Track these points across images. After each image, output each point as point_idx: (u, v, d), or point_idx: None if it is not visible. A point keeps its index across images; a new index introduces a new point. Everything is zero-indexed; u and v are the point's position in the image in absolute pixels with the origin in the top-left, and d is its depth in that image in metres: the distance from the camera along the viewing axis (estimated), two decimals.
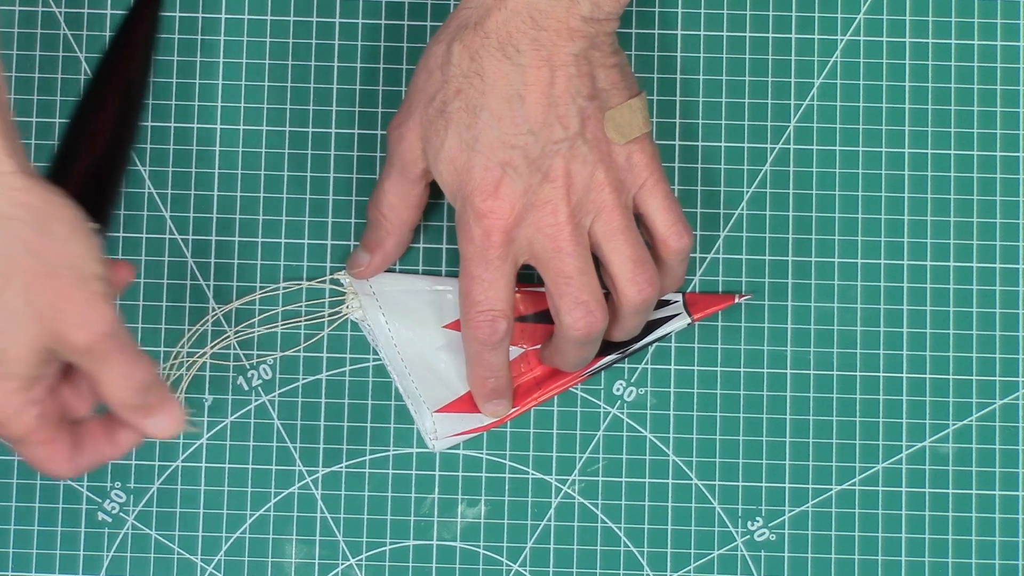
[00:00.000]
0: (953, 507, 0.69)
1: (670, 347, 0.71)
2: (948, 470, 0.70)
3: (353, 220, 0.70)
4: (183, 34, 0.71)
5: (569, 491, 0.70)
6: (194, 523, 0.69)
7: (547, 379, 0.69)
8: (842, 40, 0.72)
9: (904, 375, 0.70)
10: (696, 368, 0.70)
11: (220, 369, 0.70)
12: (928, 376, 0.70)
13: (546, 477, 0.70)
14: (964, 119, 0.71)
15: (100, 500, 0.70)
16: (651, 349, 0.70)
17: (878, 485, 0.70)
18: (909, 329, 0.70)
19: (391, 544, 0.70)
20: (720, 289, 0.71)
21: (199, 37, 0.72)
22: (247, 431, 0.69)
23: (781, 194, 0.71)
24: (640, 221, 0.65)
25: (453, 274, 0.70)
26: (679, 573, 0.70)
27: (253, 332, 0.71)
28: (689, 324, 0.70)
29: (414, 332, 0.69)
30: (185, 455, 0.70)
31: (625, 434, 0.71)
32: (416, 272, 0.70)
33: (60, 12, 0.72)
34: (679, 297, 0.70)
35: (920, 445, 0.70)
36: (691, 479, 0.70)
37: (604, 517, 0.70)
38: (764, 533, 0.70)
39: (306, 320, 0.70)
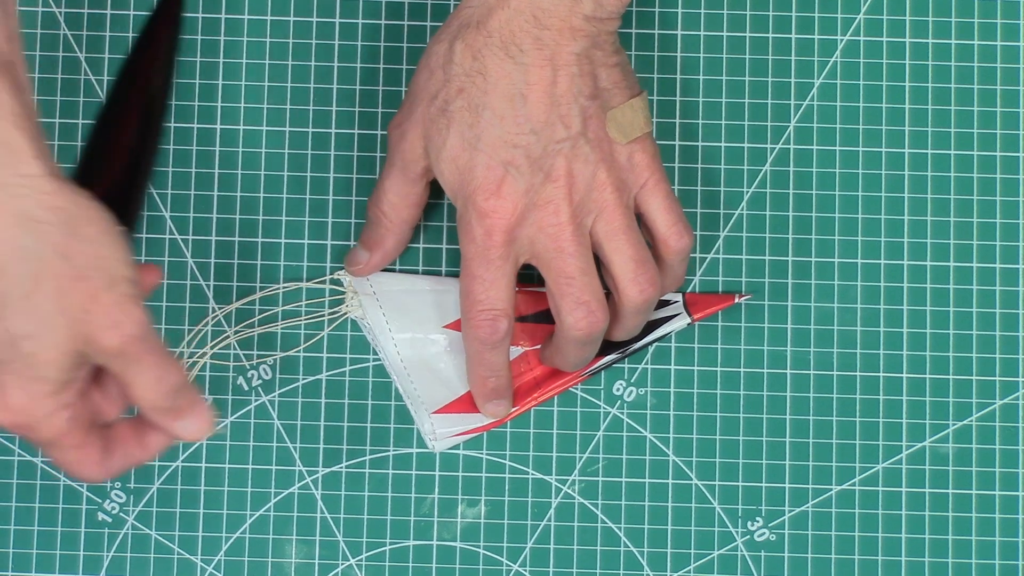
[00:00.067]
0: (953, 507, 0.70)
1: (670, 347, 0.71)
2: (948, 470, 0.70)
3: (353, 220, 0.70)
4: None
5: (569, 491, 0.71)
6: (194, 523, 0.70)
7: (547, 379, 0.70)
8: (842, 40, 0.72)
9: (904, 375, 0.70)
10: (696, 368, 0.70)
11: (220, 369, 0.70)
12: (928, 376, 0.70)
13: (546, 477, 0.71)
14: (964, 119, 0.71)
15: (100, 500, 0.70)
16: (651, 349, 0.70)
17: (878, 485, 0.70)
18: (909, 329, 0.71)
19: (391, 544, 0.70)
20: (720, 289, 0.71)
21: (199, 37, 0.72)
22: (247, 431, 0.70)
23: (781, 194, 0.71)
24: (640, 220, 0.65)
25: (453, 274, 0.70)
26: (679, 573, 0.70)
27: (253, 332, 0.71)
28: (689, 324, 0.70)
29: (414, 332, 0.70)
30: (185, 455, 0.70)
31: (625, 434, 0.71)
32: (416, 272, 0.71)
33: (60, 12, 0.72)
34: (679, 297, 0.70)
35: (920, 445, 0.70)
36: (691, 479, 0.70)
37: (604, 517, 0.71)
38: (764, 533, 0.70)
39: (306, 320, 0.71)
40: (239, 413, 0.71)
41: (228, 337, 0.71)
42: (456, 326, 0.70)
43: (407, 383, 0.71)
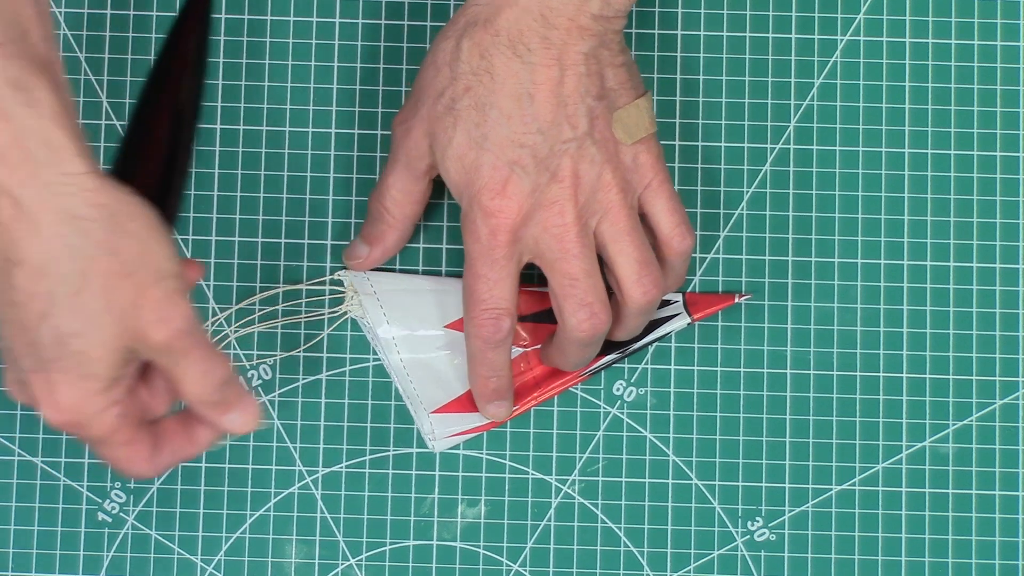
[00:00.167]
0: (953, 507, 0.70)
1: (670, 347, 0.72)
2: (948, 470, 0.71)
3: (353, 220, 0.71)
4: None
5: (569, 491, 0.71)
6: (194, 523, 0.70)
7: (547, 379, 0.70)
8: (842, 40, 0.73)
9: (904, 375, 0.71)
10: (696, 368, 0.71)
11: None
12: (928, 376, 0.71)
13: (546, 477, 0.71)
14: (964, 119, 0.72)
15: (100, 500, 0.71)
16: (651, 349, 0.71)
17: (878, 485, 0.71)
18: (909, 329, 0.71)
19: (391, 544, 0.71)
20: (720, 289, 0.72)
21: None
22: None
23: (781, 194, 0.71)
24: (643, 221, 0.65)
25: (453, 274, 0.71)
26: (679, 573, 0.70)
27: (253, 331, 0.71)
28: (689, 324, 0.70)
29: (414, 332, 0.70)
30: None
31: (625, 434, 0.72)
32: (416, 272, 0.71)
33: (60, 12, 0.73)
34: (679, 297, 0.71)
35: (920, 445, 0.71)
36: (691, 479, 0.71)
37: (604, 517, 0.71)
38: (764, 533, 0.70)
39: (306, 318, 0.71)
40: None
41: (228, 337, 0.72)
42: (456, 326, 0.71)
43: (407, 383, 0.71)
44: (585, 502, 0.74)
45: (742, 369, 0.75)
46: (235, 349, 0.74)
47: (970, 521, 0.74)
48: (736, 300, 0.75)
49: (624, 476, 0.74)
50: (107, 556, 0.74)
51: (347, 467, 0.74)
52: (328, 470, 0.74)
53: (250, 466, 0.74)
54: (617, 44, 0.68)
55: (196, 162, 0.75)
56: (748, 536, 0.74)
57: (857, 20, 0.76)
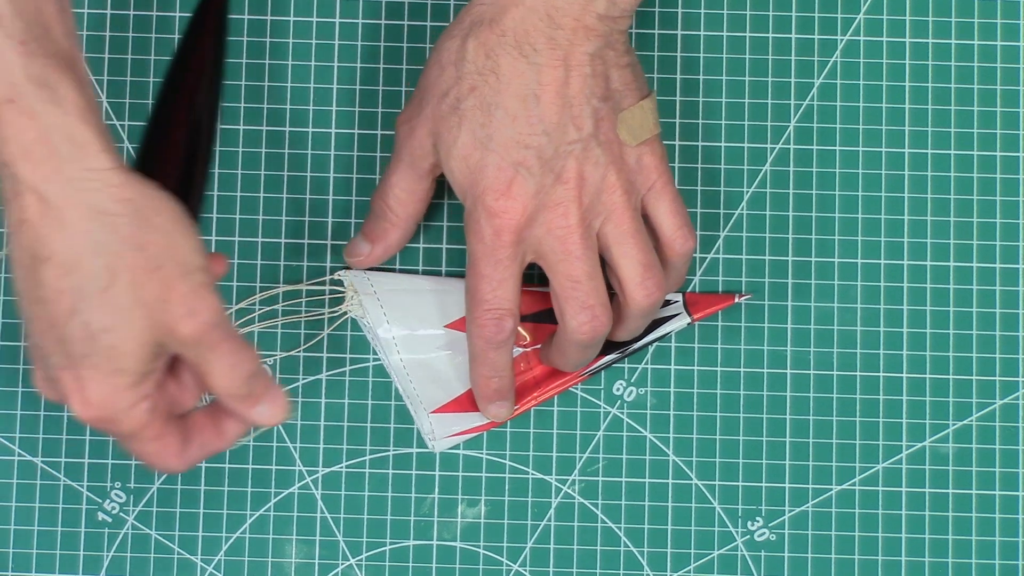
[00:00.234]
0: (953, 507, 0.71)
1: (670, 347, 0.72)
2: (948, 470, 0.71)
3: (353, 220, 0.71)
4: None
5: (569, 491, 0.71)
6: (194, 523, 0.71)
7: (547, 379, 0.71)
8: (842, 40, 0.73)
9: (904, 375, 0.71)
10: (696, 368, 0.71)
11: None
12: (928, 376, 0.71)
13: (546, 477, 0.71)
14: (964, 119, 0.72)
15: (100, 500, 0.71)
16: (651, 349, 0.71)
17: (878, 485, 0.71)
18: (909, 329, 0.72)
19: (391, 544, 0.71)
20: (720, 289, 0.72)
21: (176, 36, 0.73)
22: (247, 431, 0.70)
23: (781, 194, 0.72)
24: (645, 221, 0.65)
25: (453, 274, 0.71)
26: (679, 573, 0.71)
27: (253, 331, 0.72)
28: (689, 324, 0.71)
29: (414, 331, 0.71)
30: None
31: (625, 434, 0.72)
32: (416, 272, 0.71)
33: None
34: (679, 297, 0.71)
35: (920, 445, 0.71)
36: (691, 479, 0.71)
37: (604, 517, 0.71)
38: (764, 533, 0.71)
39: (306, 317, 0.71)
40: None
41: None
42: (456, 326, 0.71)
43: (406, 383, 0.72)
44: (585, 502, 0.75)
45: (742, 369, 0.75)
46: None
47: (970, 521, 0.75)
48: (736, 300, 0.75)
49: (624, 476, 0.75)
50: (107, 556, 0.74)
51: (347, 467, 0.75)
52: (328, 470, 0.74)
53: (250, 466, 0.75)
54: (622, 45, 0.68)
55: None
56: (748, 536, 0.74)
57: (857, 20, 0.76)
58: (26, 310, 0.62)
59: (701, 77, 0.79)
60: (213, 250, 0.78)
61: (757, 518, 0.77)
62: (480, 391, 0.75)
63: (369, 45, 0.79)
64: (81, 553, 0.77)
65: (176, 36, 0.78)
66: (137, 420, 0.63)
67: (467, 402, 0.77)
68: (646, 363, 0.78)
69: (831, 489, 0.77)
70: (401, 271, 0.78)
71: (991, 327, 0.78)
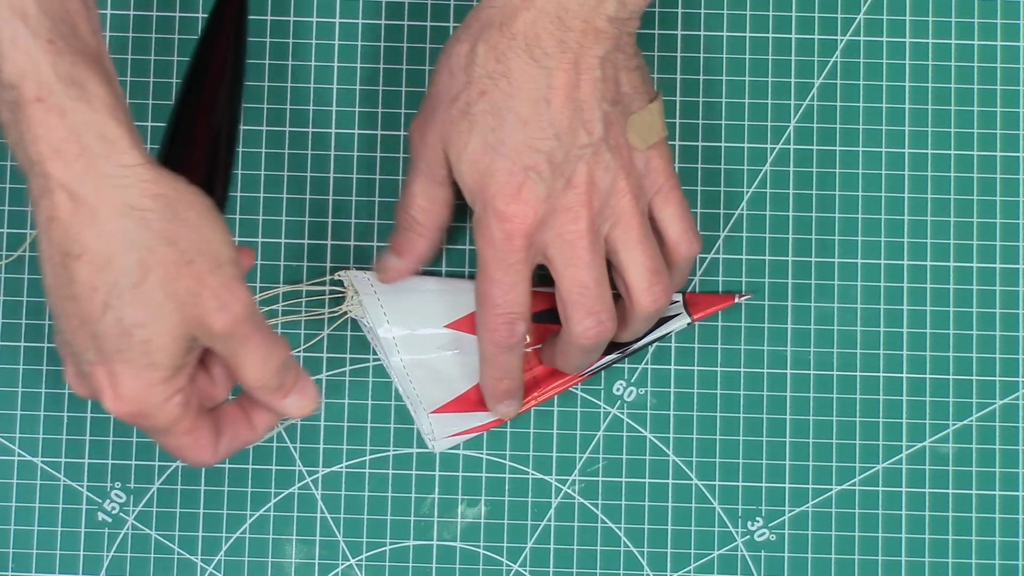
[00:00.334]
0: (953, 507, 0.71)
1: (670, 347, 0.72)
2: (948, 470, 0.71)
3: (353, 220, 0.72)
4: (183, 34, 0.72)
5: (569, 491, 0.72)
6: (194, 523, 0.71)
7: (547, 379, 0.71)
8: (842, 40, 0.73)
9: (904, 375, 0.72)
10: (696, 368, 0.72)
11: None
12: (928, 376, 0.72)
13: (546, 477, 0.72)
14: (964, 119, 0.73)
15: (100, 500, 0.72)
16: (651, 349, 0.71)
17: (878, 485, 0.72)
18: (909, 329, 0.72)
19: (391, 544, 0.72)
20: (720, 289, 0.73)
21: (198, 38, 0.73)
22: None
23: (781, 194, 0.72)
24: (652, 224, 0.65)
25: (453, 274, 0.73)
26: (679, 573, 0.71)
27: None
28: (689, 324, 0.71)
29: (415, 331, 0.71)
30: None
31: (625, 434, 0.72)
32: (416, 274, 0.71)
33: None
34: (679, 297, 0.72)
35: (920, 445, 0.72)
36: (691, 479, 0.71)
37: (604, 517, 0.72)
38: (764, 533, 0.71)
39: (306, 317, 0.72)
40: None
41: None
42: (457, 325, 0.72)
43: (406, 383, 0.72)
44: (585, 502, 0.75)
45: (742, 369, 0.76)
46: None
47: (970, 521, 0.75)
48: (736, 300, 0.76)
49: (624, 476, 0.75)
50: (107, 556, 0.75)
51: (347, 467, 0.75)
52: (328, 470, 0.75)
53: (250, 466, 0.75)
54: (631, 47, 0.69)
55: None
56: (748, 536, 0.75)
57: (857, 20, 0.77)
58: (56, 307, 0.64)
59: (701, 77, 0.79)
60: None
61: (757, 518, 0.78)
62: (490, 391, 0.75)
63: (368, 45, 0.79)
64: (81, 553, 0.77)
65: (176, 36, 0.79)
66: (170, 414, 0.64)
67: (467, 402, 0.77)
68: (646, 363, 0.78)
69: (831, 489, 0.78)
70: None
71: (991, 327, 0.78)
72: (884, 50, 0.80)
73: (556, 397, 0.78)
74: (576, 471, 0.78)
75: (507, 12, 0.70)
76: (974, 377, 0.79)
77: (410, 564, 0.78)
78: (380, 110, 0.79)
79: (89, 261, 0.62)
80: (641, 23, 0.78)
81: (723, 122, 0.80)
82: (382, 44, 0.80)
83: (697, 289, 0.79)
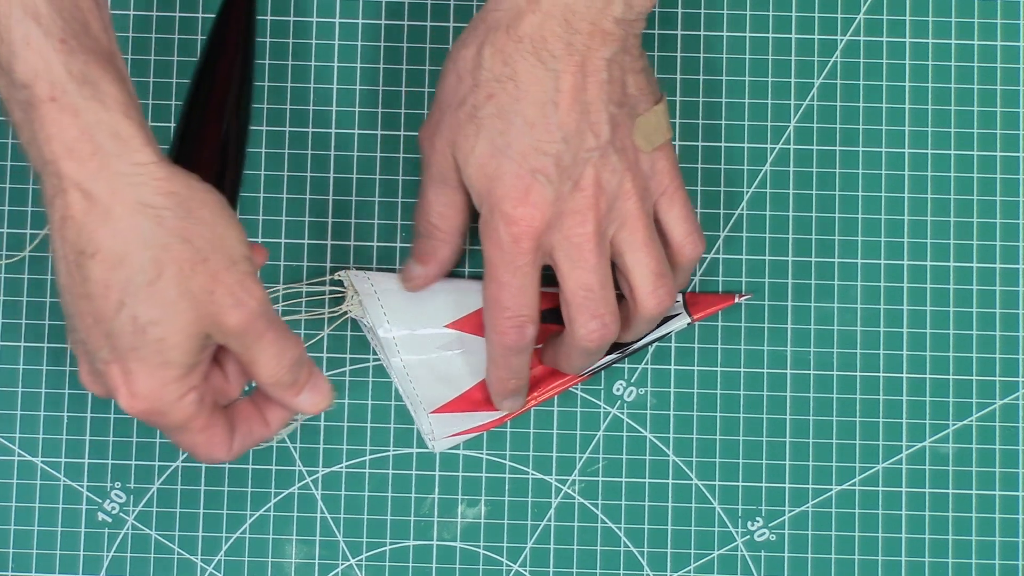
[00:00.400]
0: (953, 507, 0.72)
1: (670, 347, 0.73)
2: (948, 470, 0.72)
3: (353, 220, 0.73)
4: (183, 34, 0.73)
5: (569, 491, 0.72)
6: (194, 523, 0.72)
7: (547, 379, 0.71)
8: (842, 40, 0.74)
9: (904, 375, 0.72)
10: (696, 368, 0.72)
11: None
12: (928, 376, 0.72)
13: (546, 477, 0.72)
14: (964, 119, 0.73)
15: (100, 500, 0.72)
16: (651, 349, 0.72)
17: (878, 485, 0.72)
18: (909, 329, 0.73)
19: (391, 544, 0.72)
20: (720, 289, 0.73)
21: (199, 38, 0.74)
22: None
23: (781, 194, 0.73)
24: (656, 225, 0.66)
25: (453, 274, 0.72)
26: (679, 573, 0.72)
27: None
28: (689, 324, 0.71)
29: (415, 331, 0.72)
30: (185, 455, 0.72)
31: (625, 434, 0.73)
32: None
33: None
34: (679, 297, 0.71)
35: (920, 445, 0.72)
36: (691, 479, 0.72)
37: (604, 517, 0.72)
38: (764, 533, 0.72)
39: (306, 317, 0.72)
40: None
41: None
42: (457, 325, 0.73)
43: (406, 383, 0.72)
44: (585, 502, 0.76)
45: (742, 369, 0.76)
46: None
47: (970, 521, 0.76)
48: (736, 300, 0.76)
49: (624, 476, 0.76)
50: (107, 556, 0.75)
51: (347, 467, 0.76)
52: (328, 470, 0.75)
53: (250, 466, 0.76)
54: (637, 49, 0.70)
55: None
56: (748, 536, 0.75)
57: (857, 20, 0.77)
58: (70, 306, 0.64)
59: (701, 77, 0.80)
60: None
61: (757, 518, 0.78)
62: (497, 390, 0.76)
63: (368, 45, 0.80)
64: (81, 553, 0.78)
65: (176, 36, 0.79)
66: (185, 412, 0.65)
67: (467, 402, 0.78)
68: (646, 363, 0.79)
69: (831, 489, 0.78)
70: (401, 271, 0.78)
71: (991, 327, 0.79)
72: (884, 50, 0.81)
73: (556, 397, 0.78)
74: (576, 471, 0.79)
75: (513, 15, 0.71)
76: (974, 377, 0.79)
77: (410, 564, 0.78)
78: (380, 110, 0.80)
79: (103, 259, 0.63)
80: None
81: (723, 122, 0.80)
82: (382, 44, 0.80)
83: (697, 289, 0.80)
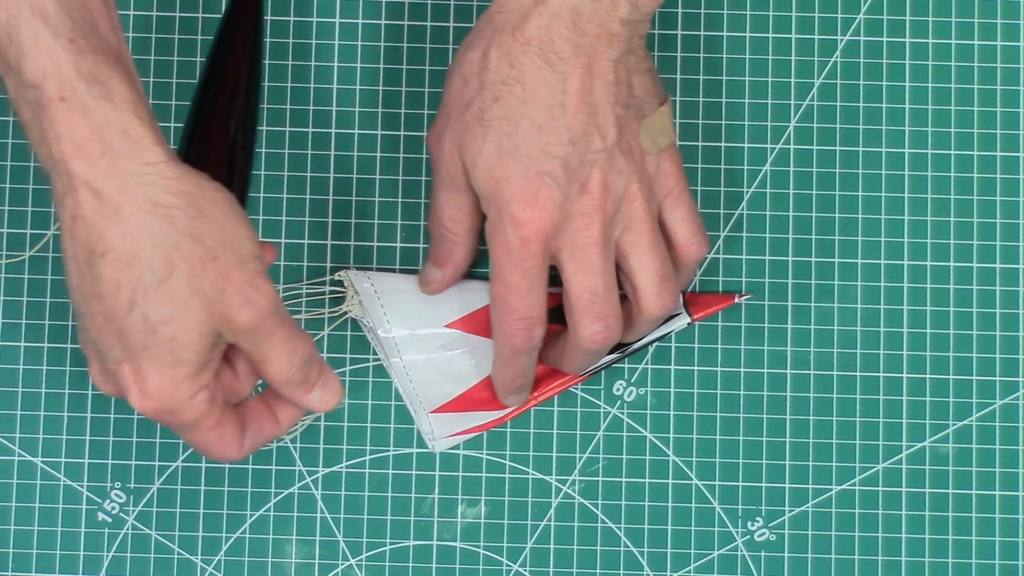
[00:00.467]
0: (953, 507, 0.72)
1: (670, 347, 0.73)
2: (948, 470, 0.72)
3: (353, 220, 0.73)
4: (183, 34, 0.73)
5: (569, 491, 0.73)
6: (194, 523, 0.72)
7: (547, 378, 0.72)
8: (842, 40, 0.74)
9: (904, 375, 0.73)
10: (696, 368, 0.73)
11: None
12: (928, 376, 0.73)
13: (546, 477, 0.73)
14: (964, 119, 0.74)
15: (100, 500, 0.72)
16: (651, 349, 0.72)
17: (878, 485, 0.72)
18: (909, 329, 0.73)
19: (391, 544, 0.72)
20: (720, 289, 0.73)
21: (199, 38, 0.74)
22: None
23: (781, 194, 0.73)
24: (660, 226, 0.66)
25: None
26: (679, 573, 0.72)
27: None
28: (689, 324, 0.71)
29: (415, 331, 0.72)
30: (185, 455, 0.73)
31: (625, 434, 0.73)
32: (416, 273, 0.72)
33: None
34: (679, 297, 0.72)
35: (920, 445, 0.72)
36: (691, 479, 0.72)
37: (604, 517, 0.73)
38: (764, 533, 0.72)
39: (306, 317, 0.72)
40: None
41: None
42: (457, 325, 0.73)
43: (406, 383, 0.73)
44: (585, 502, 0.76)
45: (742, 369, 0.76)
46: None
47: (970, 521, 0.76)
48: (736, 300, 0.77)
49: (624, 476, 0.76)
50: (107, 556, 0.76)
51: (347, 467, 0.76)
52: (328, 470, 0.76)
53: (250, 466, 0.76)
54: (642, 50, 0.70)
55: None
56: (748, 536, 0.76)
57: (857, 20, 0.78)
58: (81, 306, 0.65)
59: (701, 77, 0.80)
60: None
61: (757, 518, 0.78)
62: (503, 389, 0.77)
63: (368, 45, 0.80)
64: (81, 553, 0.78)
65: (176, 36, 0.79)
66: (196, 410, 0.66)
67: (467, 402, 0.78)
68: (646, 363, 0.79)
69: (831, 489, 0.78)
70: (402, 271, 0.79)
71: (991, 327, 0.79)
72: (884, 50, 0.81)
73: (556, 397, 0.79)
74: (576, 471, 0.79)
75: (519, 16, 0.71)
76: (974, 377, 0.79)
77: (410, 564, 0.78)
78: (380, 110, 0.80)
79: (114, 259, 0.63)
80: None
81: (723, 122, 0.81)
82: (382, 44, 0.81)
83: (697, 289, 0.80)
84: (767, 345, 0.81)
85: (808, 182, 0.82)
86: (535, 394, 0.80)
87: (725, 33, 0.83)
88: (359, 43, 0.85)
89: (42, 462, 0.80)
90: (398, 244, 0.81)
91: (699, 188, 0.82)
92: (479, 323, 0.80)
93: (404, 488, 0.80)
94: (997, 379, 0.81)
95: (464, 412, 0.82)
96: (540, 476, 0.81)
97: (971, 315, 0.81)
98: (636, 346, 0.80)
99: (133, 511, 0.80)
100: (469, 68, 0.72)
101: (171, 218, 0.63)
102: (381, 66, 0.83)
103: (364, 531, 0.80)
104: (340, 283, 0.80)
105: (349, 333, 0.81)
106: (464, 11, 0.82)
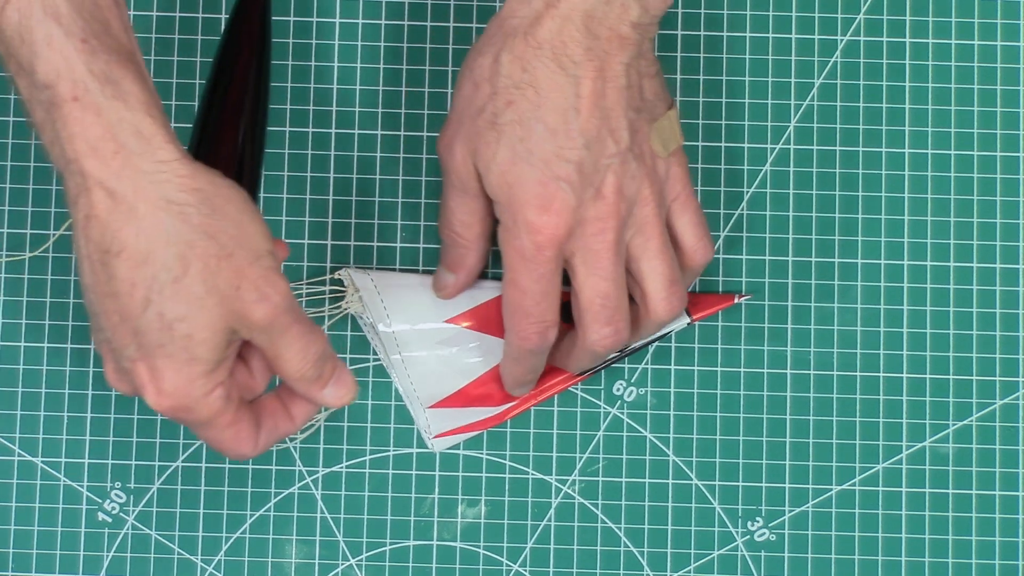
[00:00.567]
0: (953, 507, 0.73)
1: (670, 347, 0.74)
2: (948, 470, 0.73)
3: (353, 220, 0.74)
4: (183, 34, 0.73)
5: (569, 491, 0.73)
6: (194, 523, 0.73)
7: (547, 377, 0.71)
8: (842, 40, 0.75)
9: (904, 375, 0.73)
10: (696, 368, 0.73)
11: None
12: (928, 376, 0.73)
13: (546, 477, 0.73)
14: (964, 119, 0.74)
15: (100, 500, 0.73)
16: (651, 349, 0.73)
17: (878, 485, 0.73)
18: (909, 329, 0.74)
19: (391, 544, 0.73)
20: (720, 289, 0.74)
21: (199, 38, 0.75)
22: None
23: (781, 194, 0.73)
24: (668, 229, 0.66)
25: None
26: (679, 573, 0.73)
27: None
28: (689, 324, 0.72)
29: (414, 326, 0.72)
30: (185, 455, 0.73)
31: (625, 434, 0.74)
32: (416, 271, 0.72)
33: None
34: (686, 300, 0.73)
35: (920, 445, 0.73)
36: (691, 479, 0.73)
37: (604, 517, 0.73)
38: (764, 533, 0.72)
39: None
40: None
41: None
42: (456, 320, 0.73)
43: (404, 378, 0.74)
44: (585, 502, 0.77)
45: (742, 369, 0.77)
46: None
47: (970, 521, 0.77)
48: (736, 300, 0.77)
49: (624, 476, 0.77)
50: (107, 556, 0.76)
51: (347, 467, 0.77)
52: (328, 470, 0.76)
53: (250, 466, 0.77)
54: (651, 53, 0.71)
55: None
56: (748, 536, 0.76)
57: (857, 20, 0.78)
58: (95, 305, 0.66)
59: (701, 77, 0.81)
60: None
61: (757, 518, 0.79)
62: (512, 384, 0.76)
63: (368, 45, 0.81)
64: (81, 553, 0.79)
65: (176, 36, 0.80)
66: (212, 408, 0.66)
67: (465, 398, 0.79)
68: (646, 363, 0.79)
69: (831, 489, 0.79)
70: (402, 270, 0.79)
71: (991, 327, 0.80)
72: (884, 50, 0.81)
73: (556, 397, 0.79)
74: (576, 471, 0.79)
75: (531, 20, 0.72)
76: (974, 377, 0.80)
77: (410, 564, 0.79)
78: (380, 110, 0.81)
79: (128, 257, 0.65)
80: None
81: (723, 122, 0.81)
82: (382, 44, 0.81)
83: (697, 289, 0.80)
84: (767, 345, 0.82)
85: (808, 182, 0.83)
86: (535, 392, 0.80)
87: (725, 33, 0.85)
88: (359, 43, 0.85)
89: (42, 462, 0.81)
90: (398, 244, 0.81)
91: (699, 188, 0.83)
92: (479, 319, 0.80)
93: (404, 488, 0.81)
94: (997, 379, 0.82)
95: (462, 408, 0.82)
96: (540, 476, 0.82)
97: (971, 315, 0.82)
98: (636, 346, 0.81)
99: (133, 511, 0.81)
100: (480, 73, 0.73)
101: (185, 216, 0.64)
102: (381, 66, 0.84)
103: (364, 531, 0.81)
104: (340, 282, 0.81)
105: (349, 333, 0.82)
106: (464, 11, 0.83)
